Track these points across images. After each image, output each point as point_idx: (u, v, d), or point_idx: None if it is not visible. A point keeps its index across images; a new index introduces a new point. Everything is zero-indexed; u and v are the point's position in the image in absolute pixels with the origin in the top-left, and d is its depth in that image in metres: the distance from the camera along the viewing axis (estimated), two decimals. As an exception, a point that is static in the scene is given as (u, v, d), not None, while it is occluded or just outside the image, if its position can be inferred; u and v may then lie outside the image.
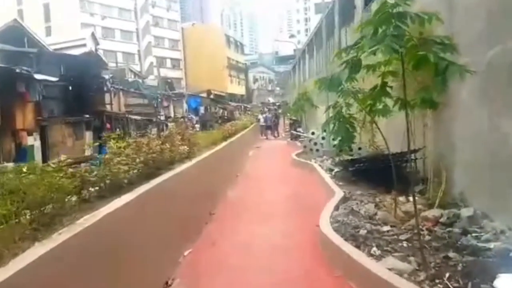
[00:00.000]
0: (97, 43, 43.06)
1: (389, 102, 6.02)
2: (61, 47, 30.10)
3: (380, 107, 6.09)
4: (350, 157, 9.39)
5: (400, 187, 8.16)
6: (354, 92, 6.00)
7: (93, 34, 43.47)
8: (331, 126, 6.33)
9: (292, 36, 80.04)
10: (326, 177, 9.57)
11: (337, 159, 11.52)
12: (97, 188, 3.78)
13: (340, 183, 8.78)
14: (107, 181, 3.88)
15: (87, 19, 55.43)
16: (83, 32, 43.40)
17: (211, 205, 7.86)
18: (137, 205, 3.91)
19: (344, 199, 7.14)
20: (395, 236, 5.39)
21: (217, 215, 7.52)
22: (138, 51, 63.52)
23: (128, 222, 3.64)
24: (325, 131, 15.27)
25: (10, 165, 15.22)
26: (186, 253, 5.36)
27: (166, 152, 5.69)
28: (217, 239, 6.06)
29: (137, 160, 4.56)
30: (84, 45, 37.19)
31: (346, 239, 4.92)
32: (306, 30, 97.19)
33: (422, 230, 5.72)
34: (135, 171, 4.53)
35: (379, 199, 7.57)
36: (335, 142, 14.54)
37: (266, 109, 41.74)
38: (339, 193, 7.44)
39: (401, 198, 7.68)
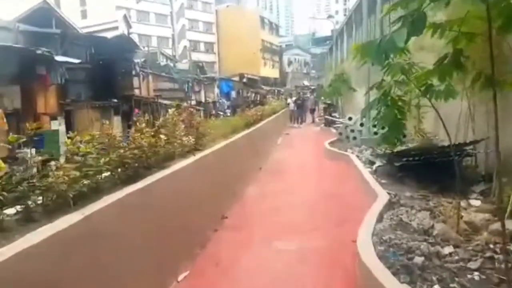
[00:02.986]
0: (129, 26, 42.65)
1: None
2: (94, 30, 29.71)
3: (441, 87, 4.61)
4: (396, 149, 7.79)
5: (454, 187, 6.67)
6: (407, 66, 4.51)
7: (125, 17, 43.06)
8: (375, 111, 4.88)
9: (330, 16, 76.80)
10: (366, 172, 8.06)
11: (378, 150, 9.96)
12: (23, 206, 2.60)
13: (383, 181, 7.28)
14: (37, 197, 2.68)
15: (121, 2, 54.98)
16: (115, 14, 42.99)
17: (224, 206, 6.60)
18: (87, 227, 2.69)
19: (390, 204, 5.67)
20: (462, 263, 3.95)
21: (230, 220, 6.25)
22: (172, 34, 62.82)
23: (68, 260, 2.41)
24: (364, 117, 13.74)
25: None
26: (180, 277, 4.13)
27: (160, 146, 4.45)
28: (223, 256, 4.78)
29: (103, 160, 3.33)
30: (116, 28, 36.79)
31: (395, 272, 3.51)
32: (345, 10, 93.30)
33: (496, 253, 4.29)
34: (103, 175, 3.32)
35: (433, 204, 6.09)
36: (376, 130, 12.99)
37: (300, 92, 39.66)
38: (382, 196, 5.97)
39: (461, 203, 6.20)
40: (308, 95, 37.45)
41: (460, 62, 3.29)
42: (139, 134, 4.06)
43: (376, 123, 5.26)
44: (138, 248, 3.43)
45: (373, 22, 19.54)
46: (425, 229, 4.83)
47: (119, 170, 3.58)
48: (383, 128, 13.07)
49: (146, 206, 3.67)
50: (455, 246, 4.34)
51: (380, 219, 5.01)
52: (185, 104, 7.07)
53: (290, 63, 76.02)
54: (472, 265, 3.82)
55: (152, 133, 4.35)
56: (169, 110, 5.47)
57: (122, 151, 3.67)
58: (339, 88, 23.17)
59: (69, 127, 16.73)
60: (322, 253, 4.96)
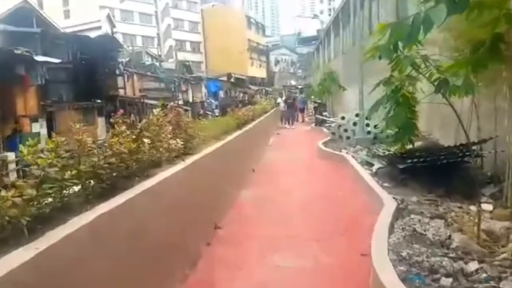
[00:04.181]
0: (113, 26, 41.91)
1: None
2: (77, 30, 29.05)
3: (458, 82, 4.14)
4: (398, 150, 7.32)
5: (462, 190, 6.26)
6: (422, 59, 4.02)
7: (108, 16, 42.36)
8: (385, 110, 4.40)
9: (315, 16, 76.68)
10: (365, 175, 7.58)
11: (375, 149, 9.51)
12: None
13: (386, 184, 6.81)
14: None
15: (105, 2, 53.96)
16: (98, 14, 42.21)
17: (217, 214, 6.03)
18: (42, 264, 2.09)
19: (398, 211, 5.18)
20: (492, 283, 3.47)
21: (224, 230, 5.68)
22: (158, 34, 61.95)
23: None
24: (357, 115, 13.32)
25: (11, 154, 13.93)
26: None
27: (143, 151, 3.87)
28: (217, 277, 4.21)
29: (69, 172, 2.73)
30: (100, 27, 36.08)
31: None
32: (330, 10, 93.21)
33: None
34: (71, 190, 2.73)
35: (444, 209, 5.64)
36: (368, 129, 12.57)
37: (290, 92, 39.22)
38: (389, 202, 5.48)
39: (472, 207, 5.78)
40: (297, 94, 36.99)
41: (499, 49, 2.80)
42: (117, 138, 3.47)
43: (386, 123, 4.73)
44: (115, 277, 2.84)
45: (361, 20, 19.18)
46: (442, 240, 4.36)
47: (92, 182, 3.00)
48: (375, 127, 12.71)
49: (125, 226, 3.07)
50: (480, 261, 3.87)
51: (391, 229, 4.51)
52: (171, 103, 6.45)
53: (277, 62, 75.71)
54: (506, 285, 3.34)
55: (134, 137, 3.78)
56: (154, 110, 4.88)
57: (96, 159, 3.09)
58: (329, 87, 22.78)
59: (51, 129, 16.08)
60: (328, 270, 4.41)
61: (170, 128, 4.88)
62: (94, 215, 2.67)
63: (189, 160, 4.96)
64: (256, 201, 7.47)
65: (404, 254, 3.68)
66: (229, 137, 8.17)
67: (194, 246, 4.78)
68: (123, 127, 3.82)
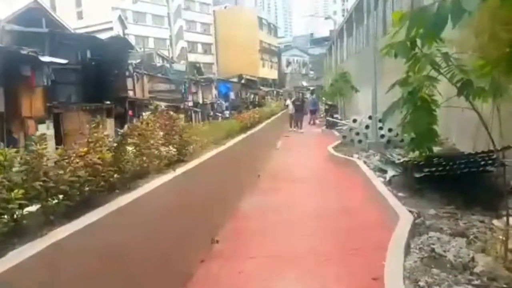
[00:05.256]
0: (124, 27, 42.04)
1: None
2: (88, 31, 29.06)
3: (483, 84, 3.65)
4: (414, 157, 6.78)
5: (483, 202, 5.73)
6: (443, 57, 3.52)
7: (120, 18, 42.46)
8: (402, 114, 3.91)
9: (328, 17, 76.11)
10: (378, 183, 7.05)
11: (388, 155, 8.96)
12: None
13: (400, 194, 6.28)
14: None
15: (117, 3, 54.16)
16: (110, 15, 42.32)
17: (215, 226, 5.58)
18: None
19: (415, 227, 4.66)
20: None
21: (221, 244, 5.21)
22: (170, 36, 62.01)
23: None
24: (370, 118, 12.73)
25: (16, 156, 13.72)
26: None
27: (125, 161, 3.44)
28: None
29: (17, 191, 2.25)
30: (111, 28, 36.16)
31: None
32: (343, 10, 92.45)
33: None
34: (24, 211, 2.30)
35: (464, 224, 5.12)
36: (382, 133, 12.00)
37: (300, 93, 38.51)
38: (405, 216, 4.96)
39: (495, 222, 5.25)
40: (308, 96, 36.32)
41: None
42: (87, 148, 3.03)
43: (402, 129, 4.19)
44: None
45: (375, 21, 18.66)
46: (464, 263, 3.83)
47: (55, 200, 2.57)
48: (389, 130, 12.12)
49: (95, 248, 2.60)
50: (509, 288, 3.35)
51: (407, 249, 4.01)
52: (162, 106, 6.01)
53: (288, 64, 75.24)
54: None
55: (116, 144, 3.35)
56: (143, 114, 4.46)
57: (61, 172, 2.67)
58: (340, 88, 22.17)
59: (58, 130, 15.92)
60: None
61: (162, 133, 4.45)
62: (52, 240, 2.24)
63: (182, 168, 4.51)
64: (259, 211, 6.98)
65: (422, 283, 3.18)
66: (231, 142, 7.70)
67: (185, 264, 4.33)
68: (105, 133, 3.39)
